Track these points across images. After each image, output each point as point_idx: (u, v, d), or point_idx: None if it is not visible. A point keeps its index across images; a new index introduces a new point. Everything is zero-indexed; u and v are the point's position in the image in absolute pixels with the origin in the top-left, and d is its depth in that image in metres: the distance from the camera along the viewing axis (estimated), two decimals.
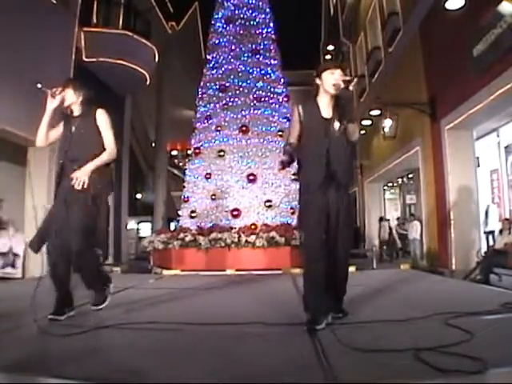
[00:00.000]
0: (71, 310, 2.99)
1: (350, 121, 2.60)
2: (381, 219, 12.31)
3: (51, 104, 3.00)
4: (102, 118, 3.04)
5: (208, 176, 8.24)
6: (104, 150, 3.01)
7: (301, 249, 2.79)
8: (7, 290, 4.79)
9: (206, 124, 8.68)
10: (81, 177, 2.84)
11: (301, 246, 2.86)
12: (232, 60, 8.75)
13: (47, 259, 2.93)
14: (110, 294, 3.17)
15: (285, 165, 2.66)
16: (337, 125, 2.57)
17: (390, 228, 13.96)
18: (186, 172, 9.09)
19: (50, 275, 2.94)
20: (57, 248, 2.88)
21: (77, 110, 3.09)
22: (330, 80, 2.60)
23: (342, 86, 2.54)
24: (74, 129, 3.02)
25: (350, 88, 2.55)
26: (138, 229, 19.83)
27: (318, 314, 2.49)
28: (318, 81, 2.70)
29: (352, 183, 2.82)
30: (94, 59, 9.75)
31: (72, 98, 3.05)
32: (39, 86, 3.02)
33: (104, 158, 2.98)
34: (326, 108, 2.68)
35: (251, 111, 8.40)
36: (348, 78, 2.56)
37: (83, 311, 3.15)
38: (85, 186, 2.85)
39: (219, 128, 8.42)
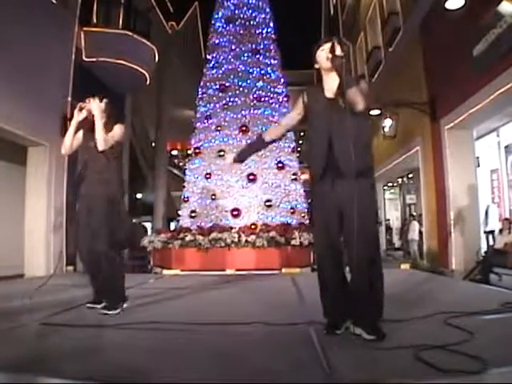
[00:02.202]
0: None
1: (348, 86, 2.28)
2: None
3: (78, 116, 3.29)
4: (118, 129, 3.32)
5: (208, 176, 8.24)
6: (115, 161, 3.31)
7: (314, 251, 2.60)
8: (8, 289, 4.78)
9: (206, 124, 8.68)
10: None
11: (313, 247, 2.66)
12: (232, 60, 8.75)
13: (82, 264, 3.25)
14: (123, 310, 3.14)
15: (235, 159, 2.80)
16: (340, 101, 2.34)
17: (390, 228, 13.95)
18: (186, 172, 9.09)
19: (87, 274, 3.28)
20: (86, 253, 3.15)
21: None
22: (322, 55, 2.46)
23: (330, 56, 2.38)
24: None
25: (337, 53, 2.38)
26: None
27: (335, 318, 2.35)
28: (316, 64, 2.55)
29: (369, 169, 2.38)
30: (94, 59, 9.73)
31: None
32: (69, 99, 3.33)
33: (102, 135, 3.16)
34: (329, 88, 2.46)
35: (251, 111, 8.40)
36: (329, 45, 2.41)
37: (83, 311, 3.16)
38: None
39: (219, 128, 8.41)
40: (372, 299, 2.25)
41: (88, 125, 3.32)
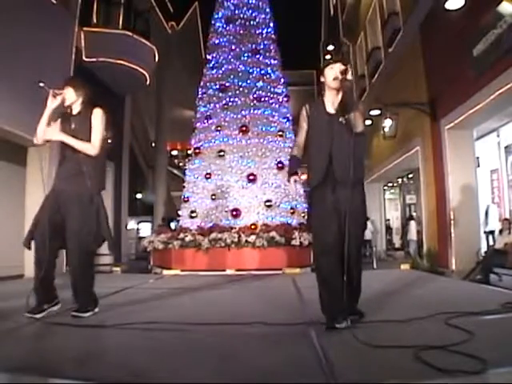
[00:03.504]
0: (54, 305, 3.00)
1: (351, 111, 2.57)
2: None
3: (52, 103, 3.03)
4: (97, 116, 3.07)
5: (208, 176, 8.24)
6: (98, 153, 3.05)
7: (312, 249, 2.82)
8: (7, 289, 4.78)
9: (206, 124, 8.68)
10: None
11: (312, 246, 2.83)
12: (232, 60, 8.75)
13: (34, 254, 2.90)
14: (95, 312, 3.02)
15: (292, 171, 2.91)
16: (341, 118, 2.60)
17: (390, 228, 13.93)
18: (186, 172, 9.09)
19: (34, 270, 2.91)
20: (44, 244, 2.84)
21: (76, 109, 3.12)
22: (331, 74, 2.66)
23: (340, 77, 2.59)
24: (73, 126, 3.05)
25: (348, 77, 2.59)
26: (138, 229, 19.85)
27: (334, 313, 2.44)
28: (322, 78, 2.77)
29: (361, 178, 2.71)
30: (94, 59, 9.74)
31: (72, 98, 3.10)
32: (42, 84, 3.06)
33: (83, 145, 2.97)
34: (331, 104, 2.71)
35: (251, 111, 8.40)
36: (343, 68, 2.62)
37: None
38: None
39: (219, 128, 8.41)
40: (359, 289, 2.67)
41: (65, 112, 3.11)
